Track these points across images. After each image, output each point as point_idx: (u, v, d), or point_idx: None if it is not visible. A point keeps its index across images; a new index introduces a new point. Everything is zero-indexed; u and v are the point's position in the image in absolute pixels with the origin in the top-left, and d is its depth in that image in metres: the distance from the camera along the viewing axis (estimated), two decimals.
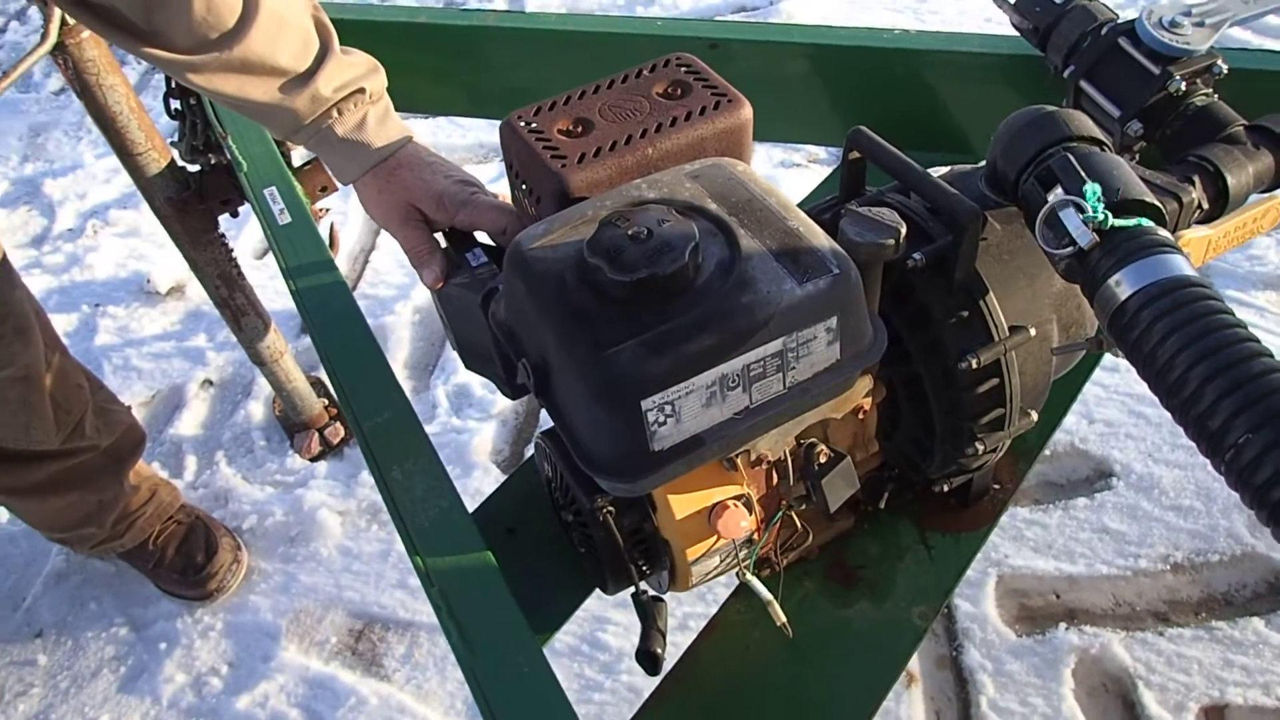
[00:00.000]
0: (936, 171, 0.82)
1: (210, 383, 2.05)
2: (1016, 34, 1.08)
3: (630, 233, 0.62)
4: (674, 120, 0.78)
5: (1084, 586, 1.52)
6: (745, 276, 0.62)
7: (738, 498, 0.74)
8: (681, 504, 0.72)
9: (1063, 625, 1.46)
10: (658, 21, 1.33)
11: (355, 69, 0.88)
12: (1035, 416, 0.81)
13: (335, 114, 0.87)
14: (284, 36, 0.82)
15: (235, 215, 1.51)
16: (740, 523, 0.73)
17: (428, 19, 1.38)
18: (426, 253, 0.88)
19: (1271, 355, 0.56)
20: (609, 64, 1.28)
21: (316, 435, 1.88)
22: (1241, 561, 1.52)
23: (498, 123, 0.83)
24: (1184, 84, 0.91)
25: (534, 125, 0.79)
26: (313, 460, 1.86)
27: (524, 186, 0.81)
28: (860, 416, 0.80)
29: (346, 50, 0.89)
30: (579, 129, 0.79)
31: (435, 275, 0.87)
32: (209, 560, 1.63)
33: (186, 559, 1.63)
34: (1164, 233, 0.64)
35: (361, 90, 0.87)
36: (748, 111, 0.80)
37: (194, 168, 1.46)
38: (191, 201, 1.45)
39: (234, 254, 1.59)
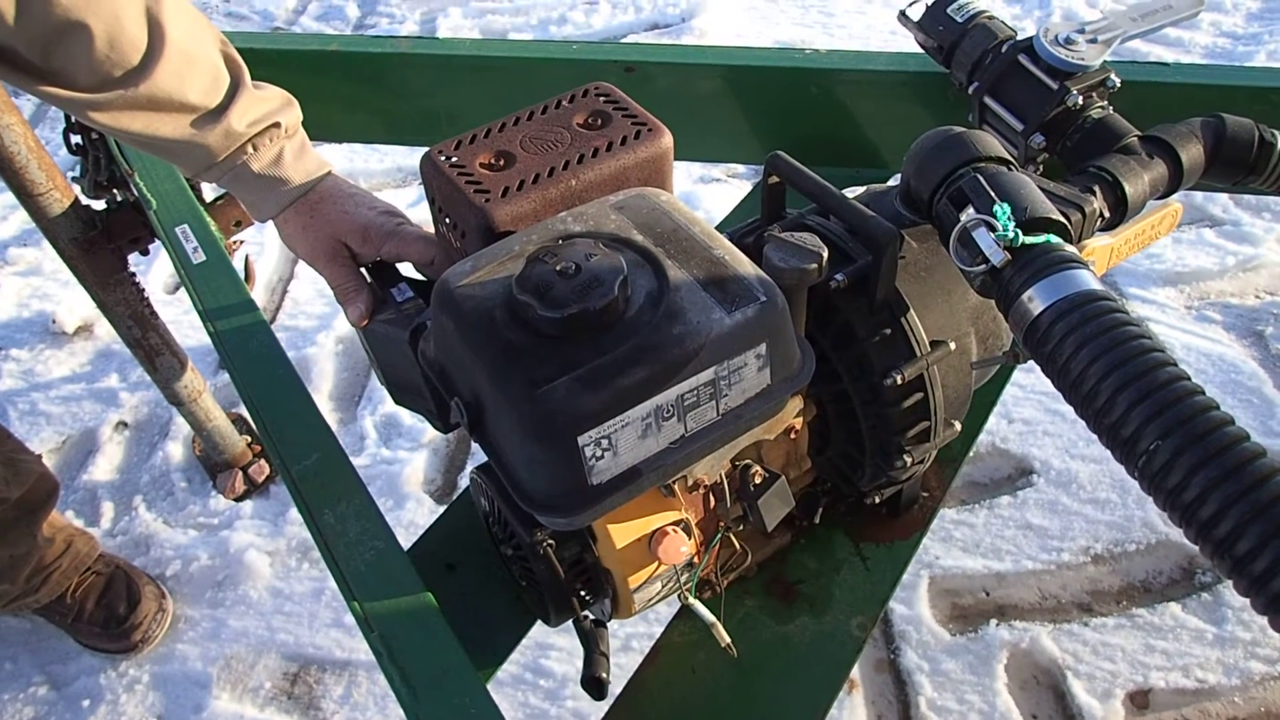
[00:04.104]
0: (852, 191, 0.85)
1: (125, 425, 1.98)
2: (922, 52, 1.12)
3: (558, 268, 0.62)
4: (596, 151, 0.79)
5: (1011, 583, 1.56)
6: (675, 307, 0.62)
7: (677, 523, 0.74)
8: (621, 533, 0.73)
9: (993, 622, 1.51)
10: (573, 45, 1.34)
11: (269, 103, 0.86)
12: (959, 426, 0.83)
13: (250, 150, 0.85)
14: (192, 72, 0.80)
15: (145, 254, 1.46)
16: (680, 548, 0.73)
17: (340, 47, 1.37)
18: (353, 290, 0.87)
19: (1176, 364, 0.58)
20: (525, 88, 1.29)
21: (240, 474, 1.83)
22: (1157, 549, 1.58)
23: (414, 148, 0.82)
24: (1080, 98, 0.95)
25: (455, 159, 0.79)
26: (237, 500, 1.81)
27: (448, 221, 0.81)
28: (792, 436, 0.81)
29: (259, 85, 0.87)
30: (501, 162, 0.79)
31: (361, 313, 0.86)
32: (132, 611, 1.57)
33: (108, 611, 1.57)
34: (1070, 248, 0.67)
35: (277, 124, 0.86)
36: (668, 140, 0.81)
37: (99, 205, 1.41)
38: (99, 241, 1.40)
39: (146, 292, 1.54)
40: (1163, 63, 1.17)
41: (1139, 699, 1.41)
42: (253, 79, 0.87)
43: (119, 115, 0.79)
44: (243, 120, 0.83)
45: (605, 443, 0.61)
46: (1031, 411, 1.79)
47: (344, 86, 1.38)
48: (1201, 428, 0.55)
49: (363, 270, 0.90)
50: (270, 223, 0.90)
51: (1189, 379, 0.58)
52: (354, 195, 0.89)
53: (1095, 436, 0.61)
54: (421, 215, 2.39)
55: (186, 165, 0.87)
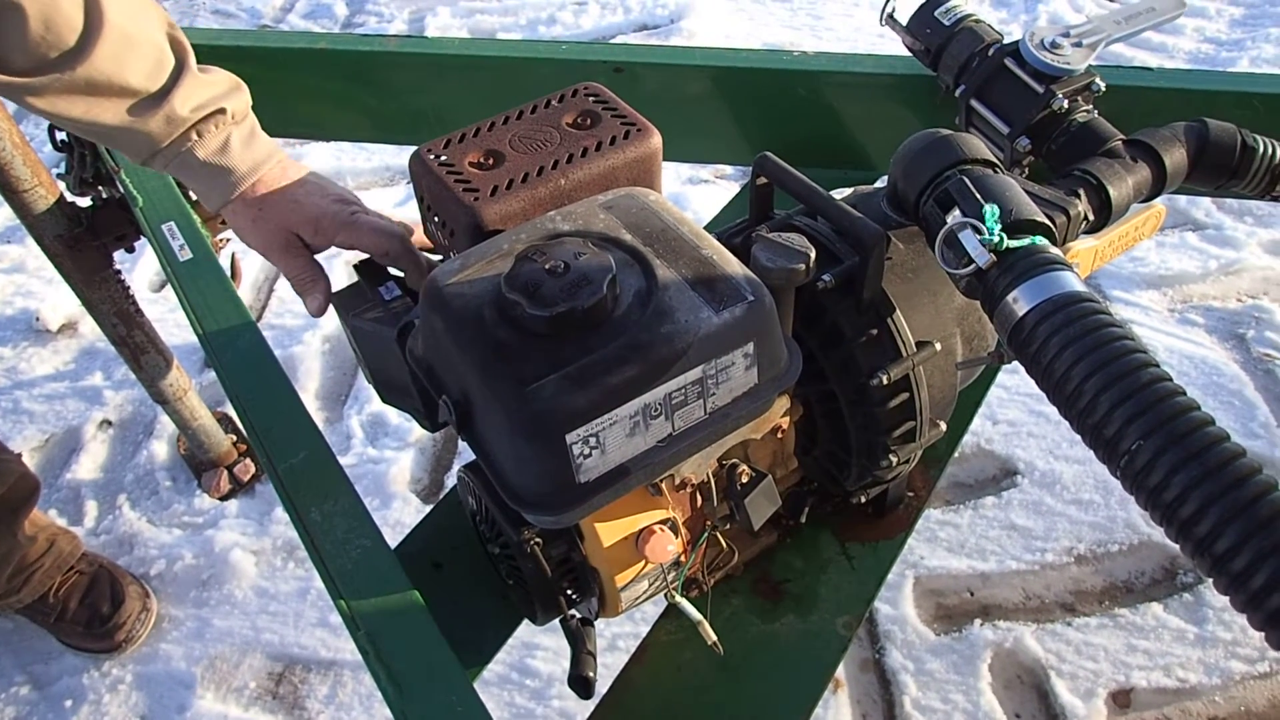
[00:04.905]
0: (840, 192, 0.85)
1: (109, 423, 1.97)
2: (910, 55, 1.13)
3: (547, 267, 0.62)
4: (585, 151, 0.79)
5: (996, 583, 1.57)
6: (663, 306, 0.63)
7: (664, 522, 0.75)
8: (608, 531, 0.73)
9: (978, 622, 1.52)
10: (562, 45, 1.34)
11: (215, 87, 0.83)
12: (944, 426, 0.84)
13: (195, 136, 0.82)
14: (133, 54, 0.77)
15: (131, 251, 1.45)
16: (667, 546, 0.74)
17: (328, 45, 1.36)
18: (309, 280, 0.85)
19: (1158, 365, 0.59)
20: (514, 88, 1.29)
21: (225, 473, 1.82)
22: (1139, 550, 1.60)
23: (403, 146, 0.82)
24: (1066, 102, 0.96)
25: (444, 158, 0.79)
26: (222, 499, 1.80)
27: (436, 220, 0.81)
28: (779, 435, 0.81)
29: (205, 68, 0.84)
30: (490, 161, 0.79)
31: (320, 303, 0.85)
32: (115, 610, 1.56)
33: (91, 610, 1.56)
34: (1055, 250, 0.68)
35: (222, 110, 0.83)
36: (657, 140, 0.81)
37: (84, 202, 1.40)
38: (84, 239, 1.39)
39: (131, 290, 1.53)
40: (1147, 68, 1.18)
41: (1121, 698, 1.42)
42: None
43: (57, 100, 0.77)
44: (186, 105, 0.80)
45: (593, 441, 0.61)
46: (1016, 413, 1.81)
47: (332, 85, 1.37)
48: (1183, 428, 0.55)
49: (354, 266, 0.89)
50: None
51: (1171, 380, 0.58)
52: (305, 183, 0.87)
53: (1079, 438, 0.62)
54: (410, 214, 2.39)
55: (131, 152, 0.84)
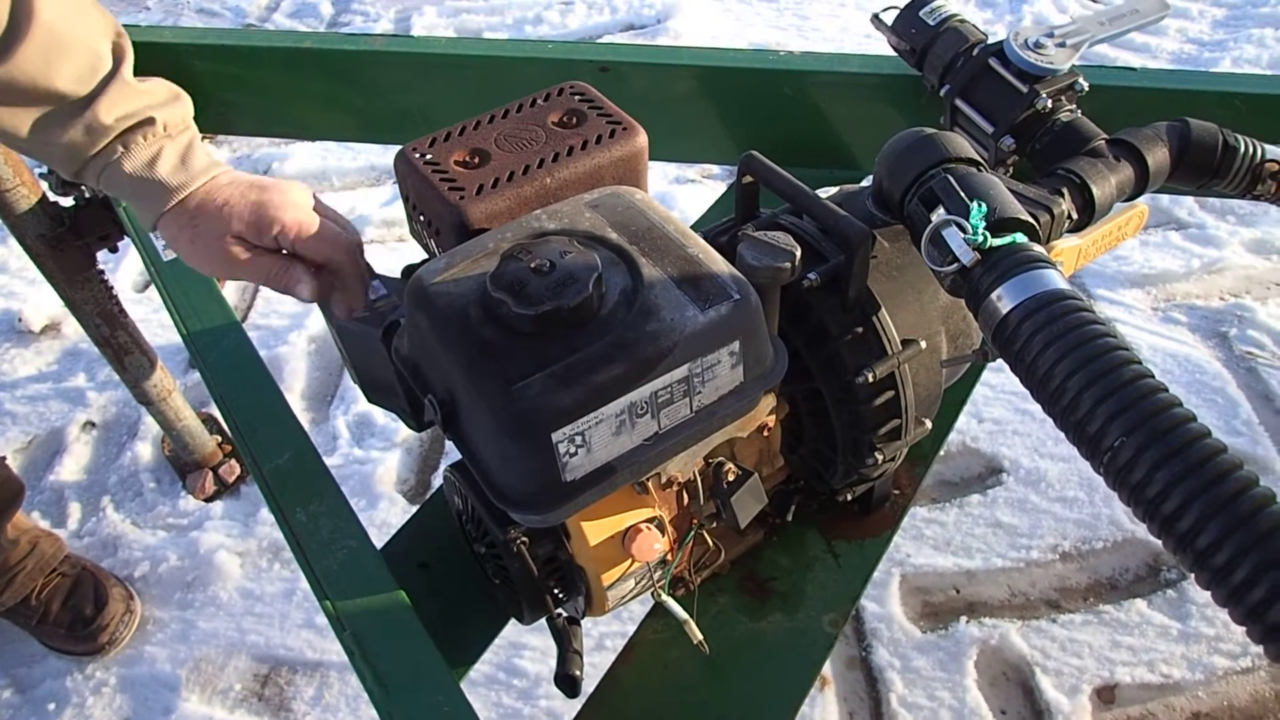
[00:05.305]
0: (825, 191, 0.85)
1: (92, 424, 1.95)
2: (895, 54, 1.13)
3: (533, 265, 0.62)
4: (570, 149, 0.79)
5: (981, 580, 1.58)
6: (649, 305, 0.63)
7: (650, 520, 0.75)
8: (595, 530, 0.73)
9: (963, 619, 1.52)
10: (548, 45, 1.34)
11: (147, 96, 0.76)
12: (929, 424, 0.84)
13: (120, 148, 0.75)
14: (63, 57, 0.71)
15: (115, 251, 1.44)
16: (654, 545, 0.74)
17: (313, 44, 1.35)
18: (281, 270, 0.77)
19: (1140, 362, 0.59)
20: (500, 88, 1.29)
21: (210, 474, 1.81)
22: (1123, 547, 1.61)
23: (388, 146, 0.81)
24: (1049, 101, 0.96)
25: (429, 157, 0.79)
26: (207, 501, 1.79)
27: (422, 219, 0.81)
28: (765, 433, 0.82)
29: (144, 79, 0.77)
30: (476, 160, 0.79)
31: (311, 286, 0.77)
32: (99, 612, 1.55)
33: (74, 613, 1.55)
34: (1039, 248, 0.68)
35: (151, 120, 0.75)
36: (643, 139, 0.81)
37: (67, 201, 1.39)
38: (67, 239, 1.38)
39: (114, 290, 1.52)
40: (1130, 68, 1.18)
41: (1105, 694, 1.43)
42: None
43: None
44: (111, 113, 0.73)
45: (579, 439, 0.61)
46: (1001, 411, 1.82)
47: (317, 84, 1.37)
48: (1165, 424, 0.56)
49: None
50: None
51: (1153, 377, 0.59)
52: (238, 182, 0.78)
53: (1063, 435, 0.62)
54: (396, 214, 2.38)
55: (59, 164, 0.77)
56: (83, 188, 1.37)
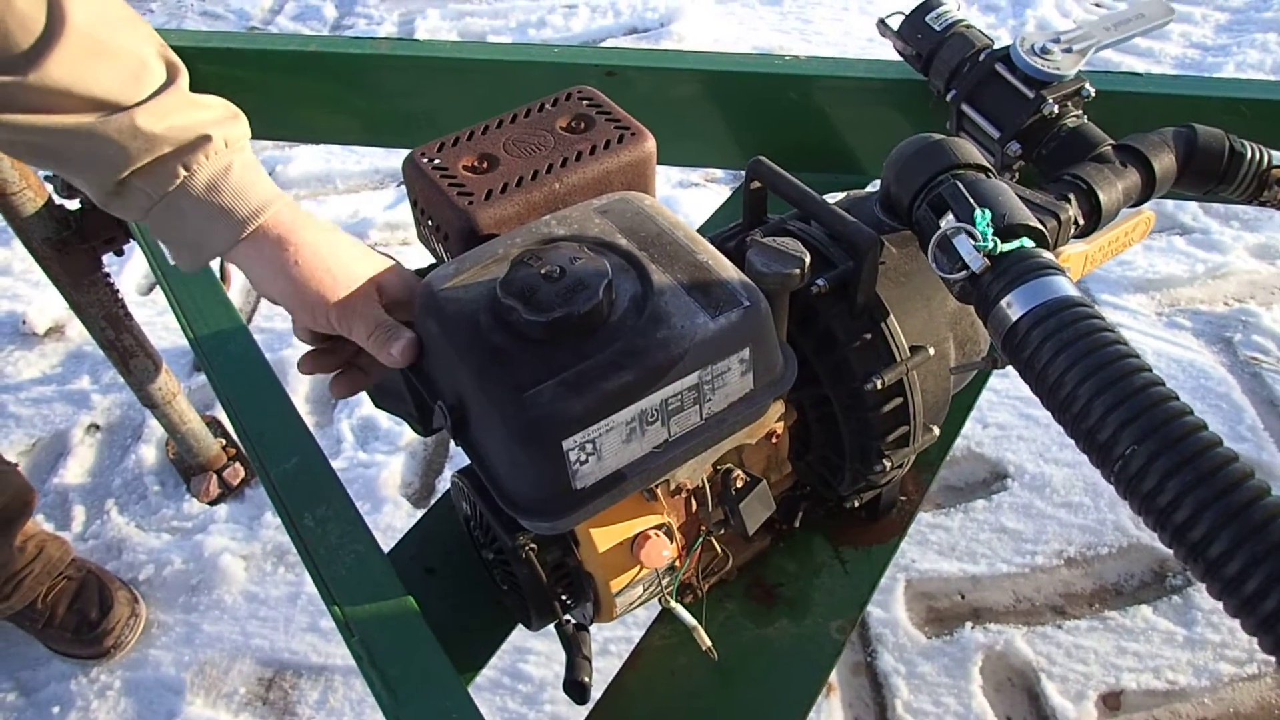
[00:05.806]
0: (832, 196, 0.85)
1: (97, 427, 1.96)
2: (901, 59, 1.13)
3: (543, 271, 0.62)
4: (579, 154, 0.79)
5: (986, 586, 1.58)
6: (659, 312, 0.63)
7: (659, 527, 0.75)
8: (604, 537, 0.73)
9: (969, 625, 1.52)
10: (554, 49, 1.34)
11: (206, 110, 0.70)
12: (937, 431, 0.84)
13: (182, 171, 0.68)
14: (104, 62, 0.66)
15: (120, 254, 1.44)
16: (662, 552, 0.74)
17: (318, 47, 1.36)
18: (389, 326, 0.70)
19: (1150, 369, 0.59)
20: (505, 92, 1.29)
21: (215, 477, 1.81)
22: (1129, 553, 1.60)
23: (392, 149, 0.81)
24: (1056, 107, 0.96)
25: (438, 162, 0.79)
26: (211, 504, 1.79)
27: (430, 224, 0.81)
28: (773, 440, 0.81)
29: (201, 95, 0.71)
30: (484, 165, 0.79)
31: (404, 347, 0.68)
32: (104, 616, 1.55)
33: (79, 616, 1.55)
34: (1048, 255, 0.68)
35: (208, 137, 0.69)
36: (651, 144, 0.81)
37: (73, 204, 1.39)
38: (72, 242, 1.38)
39: (120, 293, 1.52)
40: (1135, 73, 1.18)
41: (1111, 700, 1.43)
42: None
43: (3, 115, 0.64)
44: (161, 121, 0.67)
45: (590, 447, 0.61)
46: (1006, 416, 1.81)
47: (321, 87, 1.37)
48: (1177, 433, 0.56)
49: None
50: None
51: (1164, 385, 0.59)
52: (337, 234, 0.73)
53: (1069, 441, 0.62)
54: (399, 217, 2.38)
55: (96, 184, 0.69)
56: None
